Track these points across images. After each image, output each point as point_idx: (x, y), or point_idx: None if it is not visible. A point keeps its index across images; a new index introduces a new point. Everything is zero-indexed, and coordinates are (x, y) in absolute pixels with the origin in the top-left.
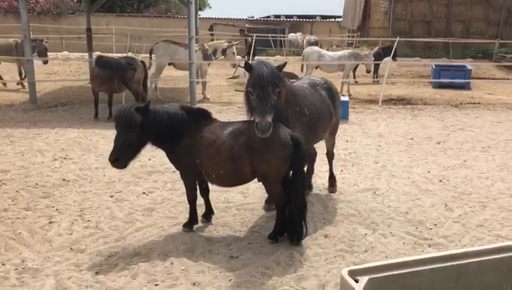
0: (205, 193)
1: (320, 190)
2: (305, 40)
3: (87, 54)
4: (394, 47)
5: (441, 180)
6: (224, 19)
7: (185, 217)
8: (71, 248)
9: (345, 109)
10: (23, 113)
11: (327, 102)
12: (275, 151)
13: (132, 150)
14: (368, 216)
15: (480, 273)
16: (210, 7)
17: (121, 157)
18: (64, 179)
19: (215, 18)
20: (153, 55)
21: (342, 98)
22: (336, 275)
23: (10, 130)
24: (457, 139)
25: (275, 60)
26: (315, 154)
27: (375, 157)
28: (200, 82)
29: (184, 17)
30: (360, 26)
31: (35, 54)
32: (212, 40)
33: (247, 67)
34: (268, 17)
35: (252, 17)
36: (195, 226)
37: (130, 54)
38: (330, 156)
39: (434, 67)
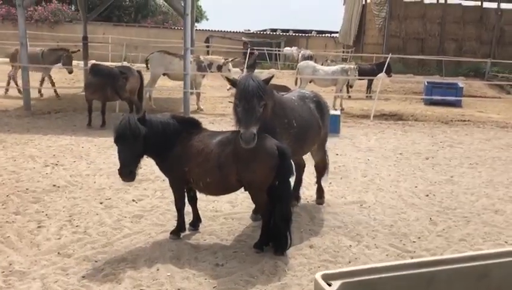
0: (193, 201)
1: (307, 202)
2: (300, 55)
3: (82, 62)
4: (386, 63)
5: (427, 195)
6: (221, 31)
7: (172, 224)
8: (59, 253)
9: (337, 123)
10: (16, 119)
11: (315, 115)
12: (260, 160)
13: (138, 161)
14: (354, 228)
15: (450, 281)
16: (207, 19)
17: (133, 169)
18: (54, 185)
19: (212, 30)
20: (149, 65)
21: (334, 112)
22: None
23: (3, 136)
24: (445, 155)
25: (269, 73)
26: (303, 166)
27: (364, 171)
28: (194, 93)
29: (181, 29)
30: (355, 42)
31: (60, 63)
32: (208, 52)
33: (232, 83)
34: (265, 30)
35: (249, 30)
36: (182, 234)
37: (125, 63)
38: (319, 169)
39: (426, 84)
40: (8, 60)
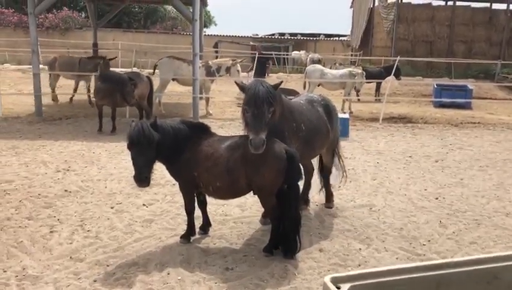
0: (203, 205)
1: (317, 205)
2: (308, 58)
3: None
4: (395, 66)
5: (437, 198)
6: (229, 36)
7: (183, 228)
8: (71, 257)
9: (346, 126)
10: (28, 125)
11: (324, 118)
12: (269, 164)
13: (152, 166)
14: (363, 231)
15: (460, 284)
16: (215, 24)
17: (148, 175)
18: (66, 190)
19: (220, 35)
20: (156, 70)
21: (343, 116)
22: None
23: (15, 142)
24: (455, 158)
25: (277, 78)
26: (312, 169)
27: (373, 174)
28: (204, 98)
29: (190, 34)
30: (363, 45)
31: (98, 70)
32: (217, 57)
33: (241, 88)
34: (273, 34)
35: (257, 34)
36: (192, 238)
37: (135, 69)
38: (328, 172)
39: (435, 86)
40: (46, 67)
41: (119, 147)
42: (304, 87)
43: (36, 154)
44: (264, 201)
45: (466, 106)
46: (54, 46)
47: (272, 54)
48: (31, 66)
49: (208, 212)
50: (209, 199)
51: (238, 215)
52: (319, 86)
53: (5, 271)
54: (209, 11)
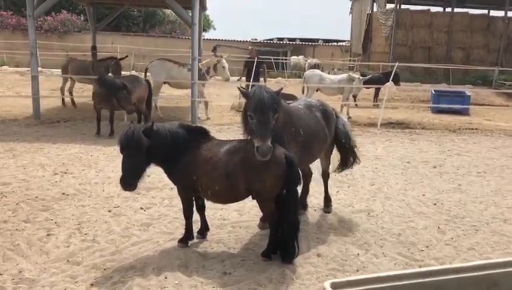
0: (201, 210)
1: (315, 210)
2: (307, 63)
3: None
4: (393, 72)
5: (435, 204)
6: (228, 40)
7: (180, 232)
8: (68, 260)
9: None
10: (26, 128)
11: (322, 123)
12: (269, 169)
13: (140, 171)
14: (361, 237)
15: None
16: (214, 29)
17: (133, 180)
18: (63, 193)
19: (219, 40)
20: (148, 74)
21: None
22: None
23: (13, 144)
24: (453, 164)
25: (276, 82)
26: (310, 174)
27: (371, 180)
28: (202, 102)
29: (188, 38)
30: (362, 51)
31: (110, 72)
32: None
33: (244, 94)
34: (272, 39)
35: (255, 39)
36: (190, 242)
37: (134, 73)
38: (325, 176)
39: (434, 92)
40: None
41: (117, 150)
42: (303, 92)
43: (34, 156)
44: (263, 206)
45: (464, 112)
46: (53, 49)
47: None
48: (29, 69)
49: (206, 217)
50: (207, 203)
51: (236, 220)
52: (317, 91)
53: (1, 274)
54: (208, 15)
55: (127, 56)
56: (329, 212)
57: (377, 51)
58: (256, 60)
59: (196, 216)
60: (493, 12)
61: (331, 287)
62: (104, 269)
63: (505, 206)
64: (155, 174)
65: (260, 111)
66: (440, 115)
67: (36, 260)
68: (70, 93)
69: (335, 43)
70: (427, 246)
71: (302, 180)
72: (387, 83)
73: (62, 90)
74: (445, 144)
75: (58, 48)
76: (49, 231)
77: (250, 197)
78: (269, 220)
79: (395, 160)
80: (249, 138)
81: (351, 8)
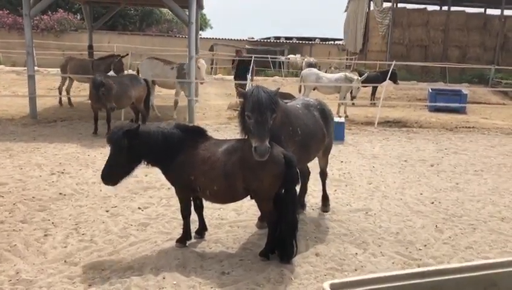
0: (199, 210)
1: (313, 209)
2: (304, 62)
3: None
4: (390, 71)
5: (432, 202)
6: (225, 39)
7: (178, 232)
8: (65, 261)
9: (341, 130)
10: (22, 127)
11: (320, 122)
12: (267, 169)
13: (122, 170)
14: (359, 236)
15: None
16: (211, 27)
17: (109, 175)
18: (60, 193)
19: (216, 38)
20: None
21: (338, 120)
22: None
23: (10, 144)
24: (450, 162)
25: (273, 81)
26: (308, 173)
27: (368, 178)
28: (174, 100)
29: (185, 37)
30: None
31: (112, 70)
32: (212, 60)
33: (242, 94)
34: (269, 38)
35: (252, 38)
36: (188, 242)
37: (130, 72)
38: (323, 176)
39: (430, 91)
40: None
41: None
42: (300, 91)
43: (30, 156)
44: (262, 205)
45: (460, 111)
46: (49, 48)
47: (267, 57)
48: (25, 68)
49: (204, 216)
50: (205, 203)
51: (234, 219)
52: (314, 90)
53: None
54: (205, 14)
55: (127, 54)
56: (327, 212)
57: (373, 49)
58: (237, 59)
59: (194, 216)
60: (489, 11)
61: (331, 288)
62: (102, 270)
63: (502, 205)
64: (152, 174)
65: (258, 111)
66: (437, 114)
67: (33, 260)
68: (68, 92)
69: (332, 42)
70: (425, 245)
71: (300, 180)
72: (384, 82)
73: (60, 89)
74: (442, 142)
75: (54, 47)
76: (46, 231)
77: (248, 197)
78: (267, 220)
79: (392, 159)
80: (246, 137)
81: (346, 7)
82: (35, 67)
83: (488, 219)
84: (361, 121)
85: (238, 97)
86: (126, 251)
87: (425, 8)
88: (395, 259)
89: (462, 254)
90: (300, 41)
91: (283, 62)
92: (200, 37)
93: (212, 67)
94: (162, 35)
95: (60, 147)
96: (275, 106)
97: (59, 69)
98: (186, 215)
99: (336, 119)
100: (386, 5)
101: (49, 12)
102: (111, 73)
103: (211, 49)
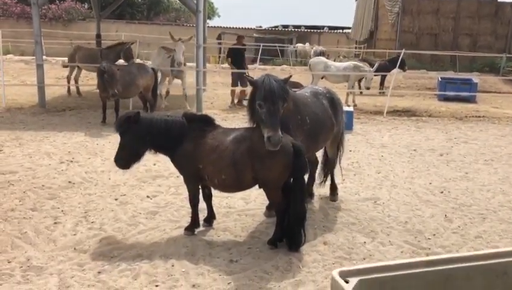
0: (208, 198)
1: (321, 198)
2: (312, 51)
3: None
4: (400, 58)
5: (442, 192)
6: (233, 28)
7: (187, 221)
8: (75, 248)
9: (350, 119)
10: (32, 116)
11: (329, 111)
12: (276, 158)
13: (130, 154)
14: (368, 225)
15: (468, 278)
16: (219, 16)
17: (120, 158)
18: (70, 182)
19: (224, 27)
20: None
21: (347, 109)
22: None
23: (19, 133)
24: (460, 152)
25: (281, 70)
26: (316, 162)
27: (377, 168)
28: (204, 90)
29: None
30: (367, 38)
31: (122, 58)
32: (220, 49)
33: (252, 83)
34: (277, 27)
35: (260, 26)
36: (196, 230)
37: (138, 61)
38: (332, 165)
39: (440, 80)
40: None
41: None
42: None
43: (40, 145)
44: (270, 195)
45: (470, 100)
46: (57, 37)
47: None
48: (34, 57)
49: (212, 205)
50: (214, 192)
51: (242, 208)
52: (322, 78)
53: (9, 262)
54: (212, 3)
55: (135, 42)
56: (335, 201)
57: (382, 38)
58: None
59: (202, 204)
60: None
61: (340, 276)
62: (111, 257)
63: None
64: (161, 163)
65: (271, 100)
66: (447, 103)
67: (44, 248)
68: (76, 81)
69: (340, 31)
70: (434, 235)
71: (308, 169)
72: (394, 70)
73: (68, 78)
74: (451, 131)
75: (62, 36)
76: (56, 219)
77: (256, 186)
78: (276, 209)
79: (401, 148)
80: (254, 126)
81: None
82: (44, 57)
83: (498, 209)
84: (370, 110)
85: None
86: (135, 239)
87: None
88: (404, 248)
89: (471, 244)
90: (309, 30)
91: (291, 51)
92: (208, 26)
93: (219, 56)
94: (169, 24)
95: (68, 136)
96: (286, 95)
97: (67, 59)
98: (194, 204)
99: (345, 108)
100: None
101: (57, 2)
102: (121, 61)
103: (219, 37)
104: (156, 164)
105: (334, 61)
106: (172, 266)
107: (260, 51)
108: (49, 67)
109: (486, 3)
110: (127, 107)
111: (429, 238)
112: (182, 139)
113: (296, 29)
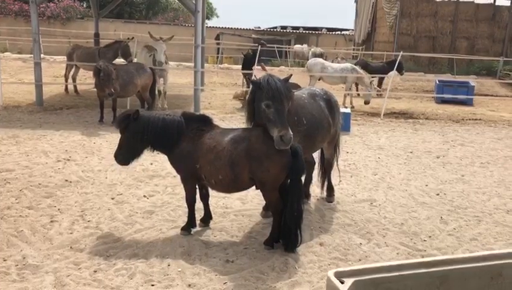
0: (205, 198)
1: (318, 199)
2: (310, 52)
3: None
4: (397, 61)
5: (437, 194)
6: (231, 28)
7: (183, 220)
8: (71, 247)
9: (347, 121)
10: (29, 114)
11: (326, 113)
12: (273, 159)
13: (129, 151)
14: (364, 226)
15: (463, 280)
16: (217, 16)
17: (119, 155)
18: (66, 180)
19: (222, 27)
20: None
21: (344, 110)
22: None
23: (16, 131)
24: (456, 154)
25: (279, 71)
26: (313, 163)
27: (374, 169)
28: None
29: (191, 26)
30: (365, 40)
31: (120, 55)
32: (218, 50)
33: (255, 83)
34: (275, 27)
35: (259, 27)
36: (193, 230)
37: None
38: (329, 166)
39: (437, 82)
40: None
41: None
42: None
43: (37, 143)
44: (267, 195)
45: (467, 103)
46: (55, 35)
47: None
48: (31, 56)
49: (209, 205)
50: (211, 192)
51: (239, 208)
52: (319, 80)
53: (5, 260)
54: (211, 3)
55: (133, 38)
56: (331, 202)
57: (380, 40)
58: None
59: (199, 204)
60: (499, 2)
61: (335, 276)
62: (107, 256)
63: (508, 197)
64: (158, 162)
65: (279, 100)
66: (444, 105)
67: (40, 246)
68: (74, 80)
69: (339, 32)
70: (430, 236)
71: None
72: (391, 72)
73: (66, 77)
74: (448, 134)
75: (60, 34)
76: (53, 217)
77: (253, 186)
78: (273, 209)
79: (398, 150)
80: (251, 124)
81: None
82: (42, 55)
83: (494, 211)
84: (367, 112)
85: (247, 86)
86: (131, 238)
87: None
88: (400, 250)
89: (466, 246)
90: (307, 31)
91: (289, 52)
92: (207, 26)
93: (218, 57)
94: (168, 23)
95: (66, 135)
96: (290, 94)
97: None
98: (191, 204)
99: (342, 110)
100: None
101: (56, 0)
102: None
103: (217, 38)
104: (153, 164)
105: (332, 62)
106: (169, 265)
107: (258, 52)
108: (47, 65)
109: (484, 6)
110: (125, 106)
111: (425, 240)
112: (179, 138)
113: (295, 31)
